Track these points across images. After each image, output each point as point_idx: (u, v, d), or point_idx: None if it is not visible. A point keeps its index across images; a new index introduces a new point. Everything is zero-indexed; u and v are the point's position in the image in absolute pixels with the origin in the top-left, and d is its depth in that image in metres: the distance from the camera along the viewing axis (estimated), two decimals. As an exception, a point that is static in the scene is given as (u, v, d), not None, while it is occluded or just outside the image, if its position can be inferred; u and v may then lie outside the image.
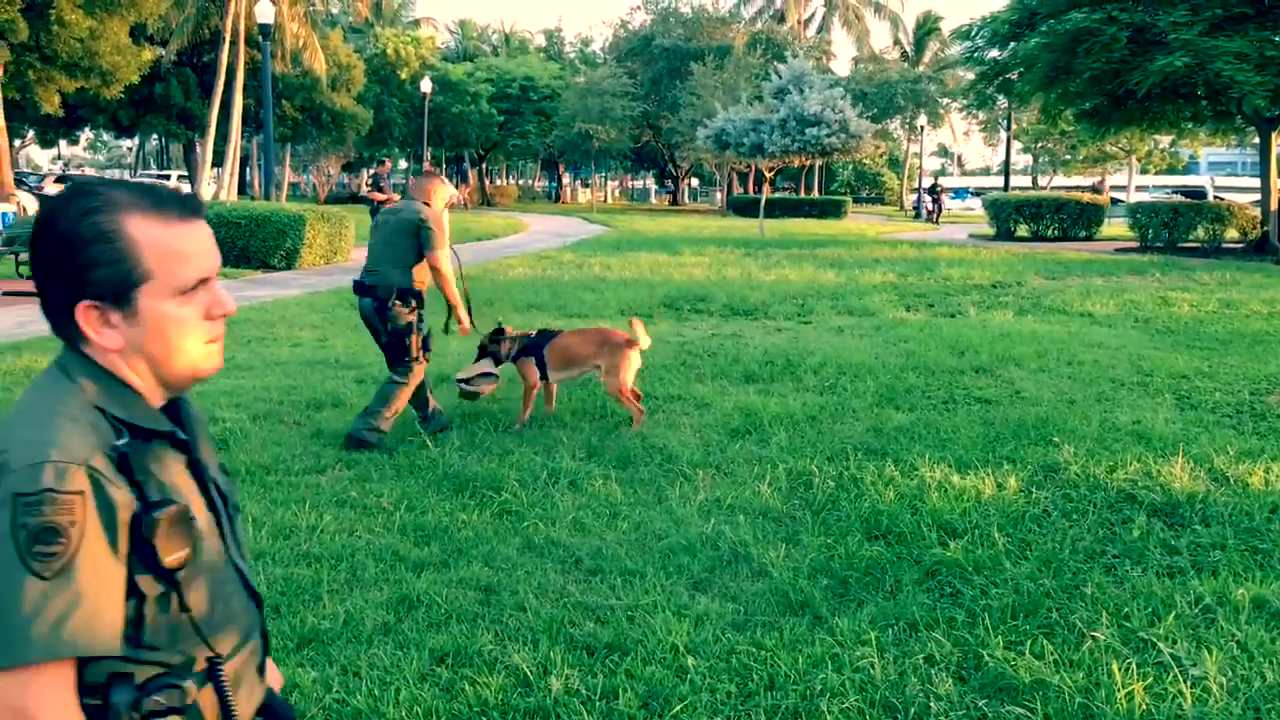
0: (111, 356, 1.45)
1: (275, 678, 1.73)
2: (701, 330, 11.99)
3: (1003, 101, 42.16)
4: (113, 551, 1.34)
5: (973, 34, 29.62)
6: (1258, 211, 26.86)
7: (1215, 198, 39.16)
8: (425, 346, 6.78)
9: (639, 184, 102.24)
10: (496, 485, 5.77)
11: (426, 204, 6.79)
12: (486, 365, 7.19)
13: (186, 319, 1.47)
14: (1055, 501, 5.54)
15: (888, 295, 15.44)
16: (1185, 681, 3.49)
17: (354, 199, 49.52)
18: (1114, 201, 38.86)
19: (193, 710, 1.43)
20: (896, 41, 70.34)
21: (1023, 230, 31.97)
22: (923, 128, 59.70)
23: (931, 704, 3.39)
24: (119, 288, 1.42)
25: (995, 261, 21.63)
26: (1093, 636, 3.88)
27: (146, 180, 1.55)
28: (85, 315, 1.43)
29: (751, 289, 15.80)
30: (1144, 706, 3.34)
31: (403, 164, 69.26)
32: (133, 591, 1.37)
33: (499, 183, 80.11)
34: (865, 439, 6.84)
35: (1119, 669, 3.55)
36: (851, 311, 13.76)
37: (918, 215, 54.74)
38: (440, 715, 3.35)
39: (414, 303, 6.67)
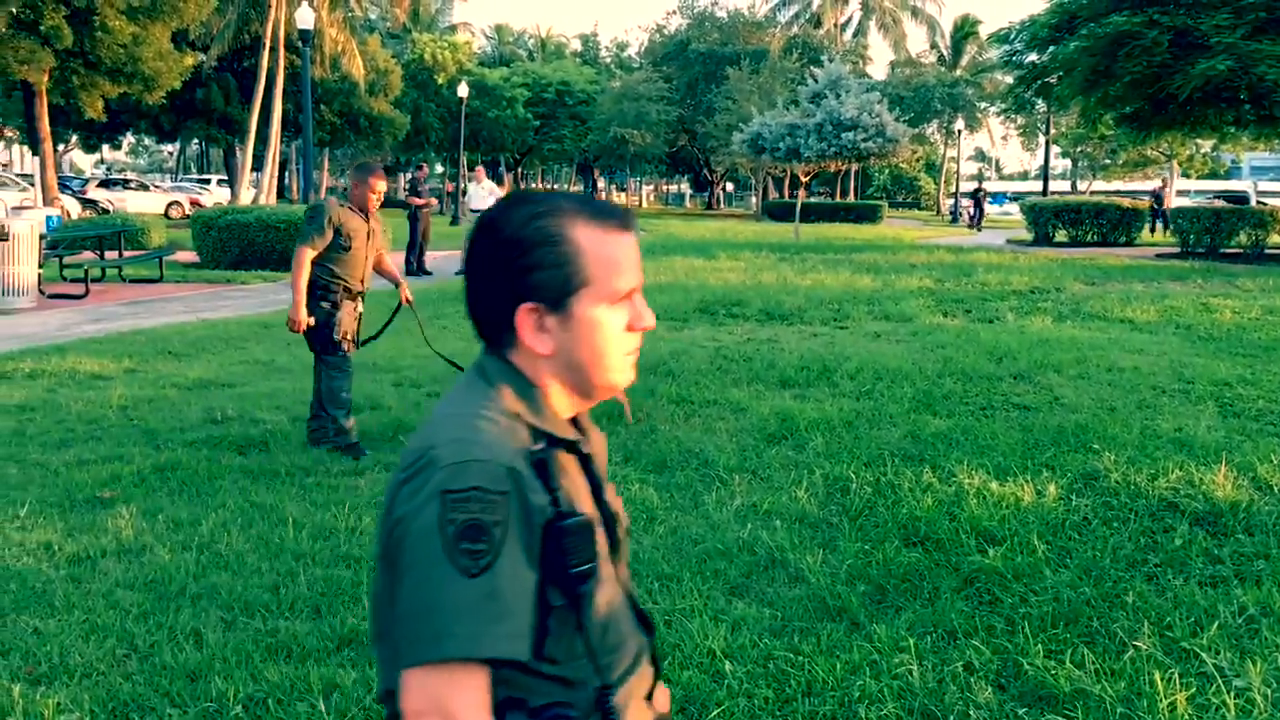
0: (536, 363, 1.48)
1: (663, 702, 1.66)
2: (737, 335, 11.98)
3: (1041, 105, 41.86)
4: (528, 556, 1.35)
5: (1011, 38, 29.43)
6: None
7: (1258, 203, 38.65)
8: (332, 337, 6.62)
9: (674, 188, 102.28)
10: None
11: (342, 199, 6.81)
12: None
13: (614, 328, 1.49)
14: (1095, 509, 5.49)
15: (925, 300, 15.35)
16: (1228, 692, 3.45)
17: (388, 203, 49.89)
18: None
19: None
20: (933, 45, 69.98)
21: (1061, 235, 31.67)
22: (960, 132, 59.31)
23: (971, 712, 3.38)
24: (559, 292, 1.45)
25: (1034, 267, 21.45)
26: (1134, 646, 3.84)
27: (580, 192, 1.60)
28: (525, 318, 1.46)
29: (787, 294, 15.76)
30: (1186, 717, 3.31)
31: (439, 168, 69.66)
32: (540, 602, 1.37)
33: (535, 187, 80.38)
34: (902, 445, 6.81)
35: (1161, 679, 3.51)
36: (888, 317, 13.69)
37: (954, 220, 54.39)
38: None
39: (319, 294, 6.54)
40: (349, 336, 6.65)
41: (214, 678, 3.63)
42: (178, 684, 3.61)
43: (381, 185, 6.64)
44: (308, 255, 6.45)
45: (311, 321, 6.53)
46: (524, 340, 1.47)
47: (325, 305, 6.53)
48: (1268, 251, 26.51)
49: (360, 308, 6.85)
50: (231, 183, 41.69)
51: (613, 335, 1.49)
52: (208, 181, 52.07)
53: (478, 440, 1.37)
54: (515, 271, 1.45)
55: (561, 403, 1.51)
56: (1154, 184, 35.30)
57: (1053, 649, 3.84)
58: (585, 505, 1.46)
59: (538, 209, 1.47)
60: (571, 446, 1.48)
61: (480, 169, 22.07)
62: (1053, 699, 3.47)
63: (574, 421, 1.55)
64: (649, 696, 1.56)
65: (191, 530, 5.18)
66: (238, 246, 19.52)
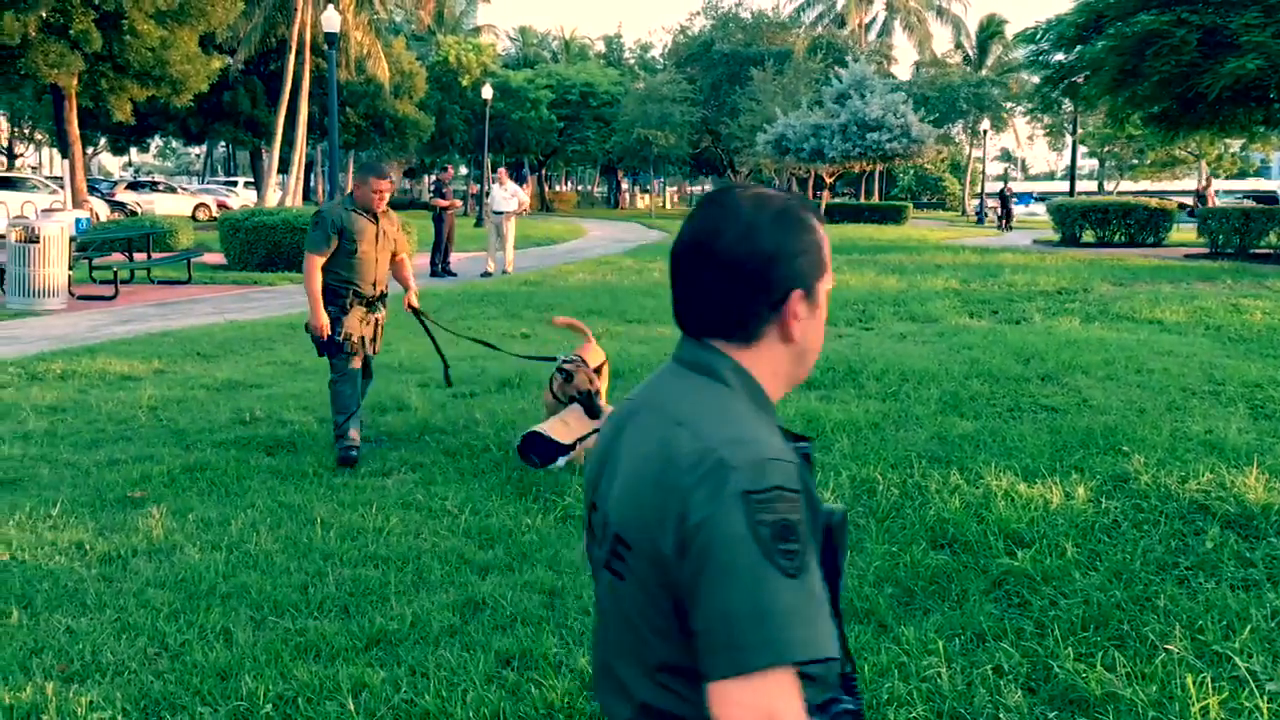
0: (776, 356, 1.48)
1: None
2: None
3: (1068, 105, 41.57)
4: (817, 550, 1.36)
5: (1037, 37, 29.22)
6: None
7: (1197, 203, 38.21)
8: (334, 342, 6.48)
9: (698, 189, 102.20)
10: (560, 489, 5.81)
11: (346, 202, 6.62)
12: (579, 415, 6.36)
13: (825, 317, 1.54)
14: (1125, 512, 5.44)
15: (950, 301, 15.27)
16: (1261, 696, 3.42)
17: (412, 204, 50.09)
18: (1180, 207, 38.12)
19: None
20: (959, 45, 69.58)
21: (1088, 236, 31.46)
22: (986, 132, 59.00)
23: (1000, 715, 3.36)
24: (813, 277, 1.49)
25: (1060, 267, 21.31)
26: (1165, 649, 3.81)
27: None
28: (798, 303, 1.46)
29: (812, 295, 15.68)
30: (1220, 721, 3.28)
31: (463, 170, 69.88)
32: None
33: (558, 188, 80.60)
34: (929, 447, 6.78)
35: (1193, 682, 3.48)
36: (914, 318, 13.64)
37: (980, 220, 54.07)
38: (507, 717, 3.39)
39: (328, 298, 6.44)
40: (354, 339, 6.50)
41: (244, 676, 3.65)
42: (208, 682, 3.64)
43: (384, 184, 6.47)
44: (315, 262, 6.37)
45: (325, 328, 6.45)
46: (789, 326, 1.46)
47: (332, 309, 6.44)
48: (1298, 252, 26.23)
49: (379, 314, 6.72)
50: (258, 185, 41.94)
51: (824, 324, 1.54)
52: (234, 184, 52.48)
53: (760, 439, 1.35)
54: (787, 256, 1.45)
55: (775, 397, 1.51)
56: (1196, 183, 34.83)
57: (1083, 652, 3.82)
58: None
59: (782, 199, 1.49)
60: (805, 443, 1.49)
61: (503, 171, 22.11)
62: (1083, 702, 3.45)
63: None
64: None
65: (221, 530, 5.22)
66: (264, 248, 19.65)
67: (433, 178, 23.09)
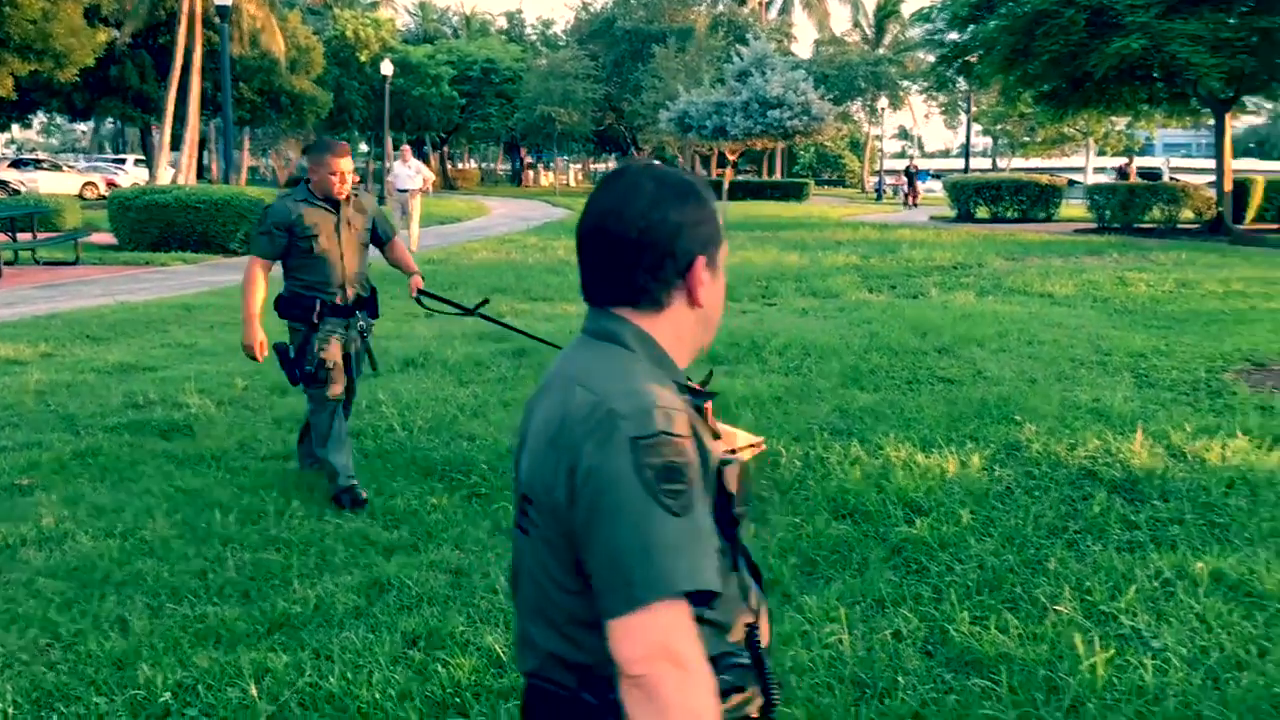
0: (680, 322, 1.54)
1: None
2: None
3: (962, 84, 42.42)
4: (708, 496, 1.40)
5: (932, 16, 29.77)
6: (1212, 192, 27.19)
7: (1171, 179, 39.61)
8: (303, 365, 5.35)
9: (602, 167, 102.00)
10: (465, 468, 5.78)
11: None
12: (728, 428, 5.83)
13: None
14: (1018, 479, 5.62)
15: (851, 277, 15.53)
16: (1146, 653, 3.57)
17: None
18: (1071, 183, 39.17)
19: (737, 685, 1.46)
20: (857, 24, 70.46)
21: (982, 212, 32.18)
22: (883, 110, 59.92)
23: (899, 678, 3.45)
24: (714, 245, 1.56)
25: (956, 243, 21.79)
26: (1055, 610, 3.95)
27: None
28: (700, 268, 1.53)
29: (716, 271, 15.80)
30: (1106, 678, 3.41)
31: (363, 147, 68.63)
32: None
33: (461, 166, 79.64)
34: (831, 419, 6.90)
35: (1081, 642, 3.62)
36: (815, 293, 13.84)
37: (879, 197, 54.92)
38: (414, 697, 3.37)
39: (296, 314, 5.39)
40: (328, 364, 5.33)
41: (141, 665, 3.57)
42: (104, 672, 3.55)
43: (345, 164, 5.28)
44: (256, 269, 5.28)
45: (264, 345, 5.32)
46: (693, 292, 1.53)
47: (300, 327, 5.34)
48: (1180, 226, 27.21)
49: (362, 324, 5.51)
50: (149, 163, 40.61)
51: (724, 293, 1.61)
52: (124, 161, 50.68)
53: (649, 391, 1.41)
54: (690, 226, 1.52)
55: (683, 367, 1.57)
56: (1160, 160, 35.55)
57: (978, 615, 3.94)
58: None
59: (680, 174, 1.57)
60: (705, 398, 1.54)
61: (406, 148, 21.80)
62: (978, 663, 3.56)
63: None
64: (769, 652, 1.61)
65: (114, 517, 5.08)
66: (156, 228, 19.07)
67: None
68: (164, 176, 33.15)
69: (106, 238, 20.44)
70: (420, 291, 5.85)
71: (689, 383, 1.54)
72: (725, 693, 1.41)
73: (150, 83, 38.60)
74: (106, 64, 35.50)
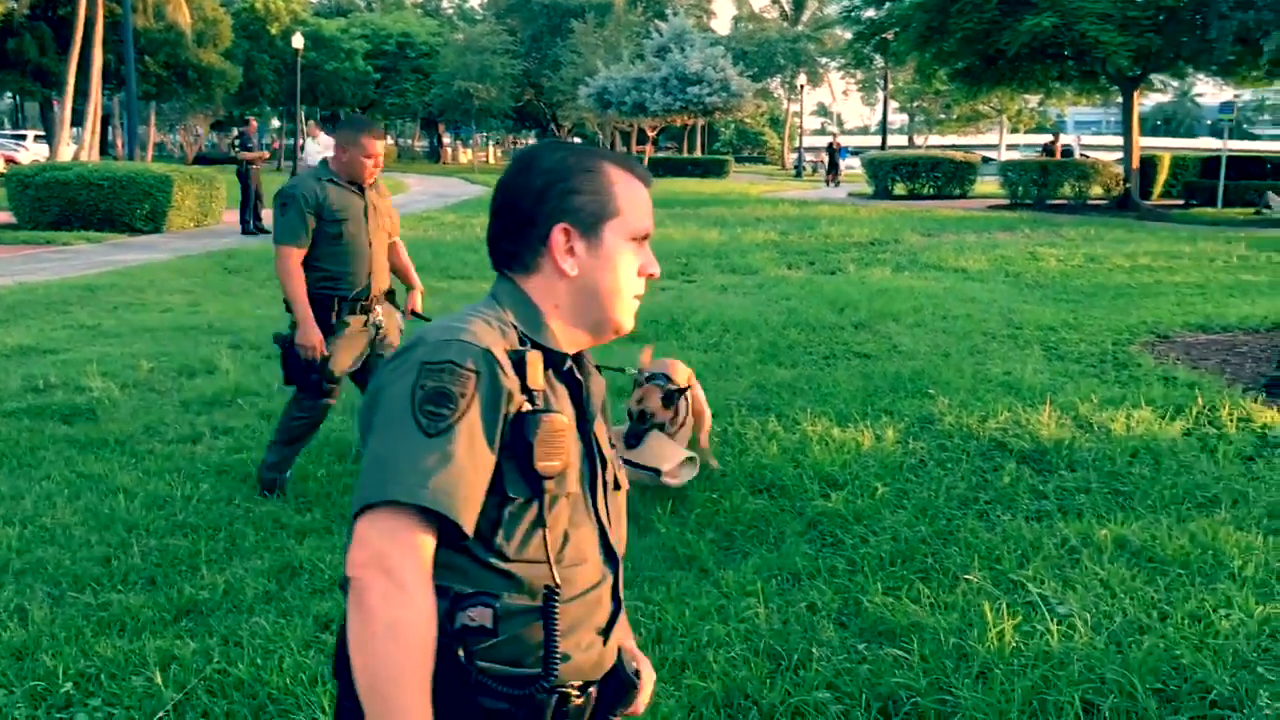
0: (553, 289, 1.57)
1: (624, 638, 1.70)
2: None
3: (880, 61, 42.84)
4: (489, 434, 1.42)
5: (849, -7, 29.99)
6: (1121, 169, 27.87)
7: (1081, 156, 40.53)
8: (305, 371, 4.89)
9: (521, 144, 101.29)
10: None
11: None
12: (670, 443, 4.87)
13: (631, 265, 1.60)
14: (931, 451, 5.70)
15: (770, 253, 15.63)
16: (1052, 619, 3.64)
17: (226, 160, 47.94)
18: (985, 160, 39.86)
19: (512, 637, 1.45)
20: (775, 1, 70.77)
21: (899, 188, 32.61)
22: (802, 87, 60.36)
23: (814, 650, 3.47)
24: (595, 217, 1.57)
25: (873, 219, 22.05)
26: (966, 579, 4.02)
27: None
28: (558, 237, 1.55)
29: (635, 248, 15.80)
30: (1014, 644, 3.48)
31: (274, 123, 67.20)
32: (497, 489, 1.43)
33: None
34: (749, 395, 6.93)
35: (990, 609, 3.68)
36: (734, 270, 13.90)
37: (798, 174, 55.30)
38: (326, 682, 3.31)
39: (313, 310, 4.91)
40: (336, 374, 4.91)
41: (41, 655, 3.46)
42: (2, 663, 3.43)
43: (379, 146, 4.84)
44: (294, 258, 4.76)
45: (321, 346, 4.80)
46: (554, 259, 1.56)
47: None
48: (1090, 202, 27.86)
49: (377, 318, 5.05)
50: (49, 138, 39.23)
51: (629, 271, 1.61)
52: (23, 137, 48.95)
53: (465, 329, 1.46)
54: (555, 194, 1.56)
55: (568, 336, 1.59)
56: (1045, 138, 35.94)
57: (890, 586, 3.99)
58: (570, 426, 1.52)
59: (575, 148, 1.63)
60: (560, 364, 1.55)
61: (313, 124, 21.40)
62: (891, 633, 3.61)
63: (576, 358, 1.62)
64: (605, 632, 1.59)
65: (13, 504, 4.91)
66: (58, 206, 18.45)
67: (237, 131, 22.15)
68: (65, 153, 32.08)
69: (5, 216, 19.75)
70: (414, 313, 5.42)
71: (541, 341, 1.54)
72: (471, 632, 1.43)
73: (50, 56, 37.32)
74: (4, 36, 34.32)
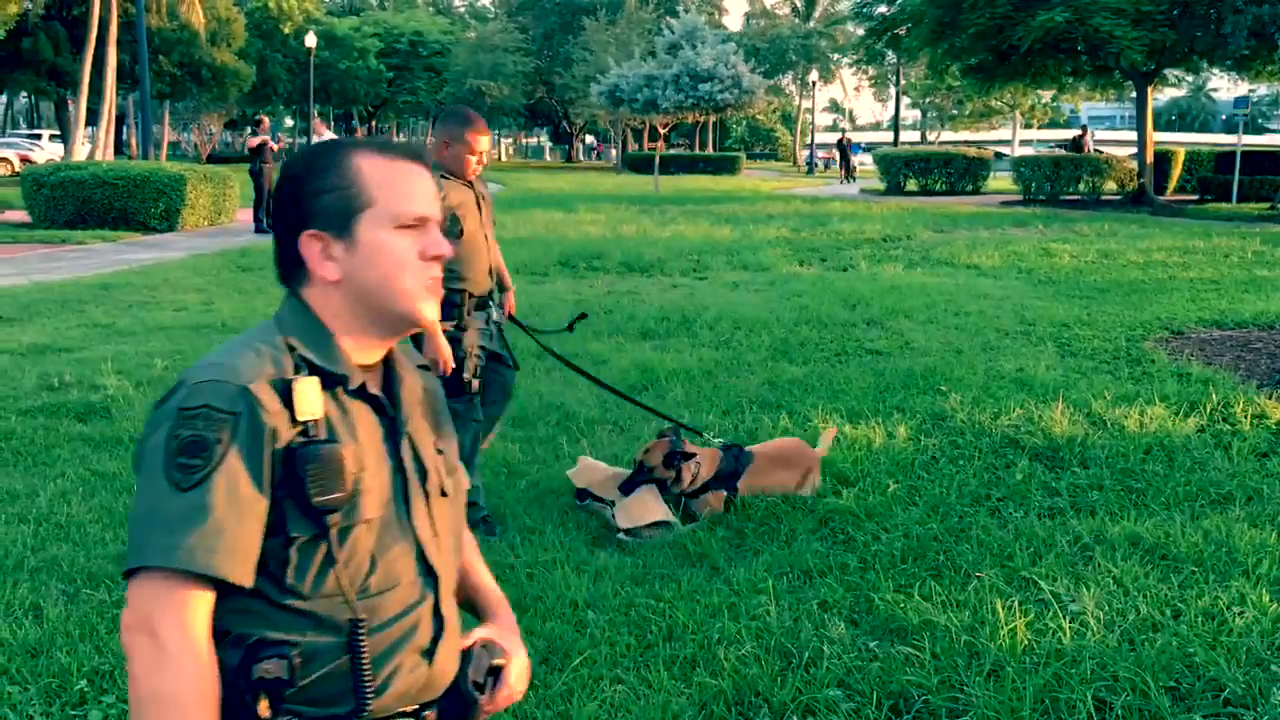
0: (330, 297, 1.49)
1: (448, 660, 1.56)
2: (598, 288, 11.97)
3: (891, 57, 42.75)
4: (255, 477, 1.36)
5: (861, -11, 29.93)
6: (1135, 164, 27.76)
7: (1095, 151, 40.37)
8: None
9: (533, 141, 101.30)
10: (392, 447, 5.70)
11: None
12: (655, 503, 4.69)
13: (403, 252, 1.49)
14: (943, 448, 5.69)
15: (781, 250, 15.60)
16: (1065, 617, 3.63)
17: (233, 158, 48.06)
18: (998, 156, 39.74)
19: (321, 677, 1.40)
20: (787, -3, 70.61)
21: (912, 184, 32.54)
22: (815, 84, 60.20)
23: (825, 647, 3.47)
24: (342, 214, 1.47)
25: (886, 216, 22.00)
26: (977, 577, 4.01)
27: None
28: (307, 244, 1.48)
29: (647, 246, 15.82)
30: (1026, 642, 3.47)
31: (288, 121, 67.40)
32: (279, 529, 1.37)
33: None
34: (760, 392, 6.93)
35: (1002, 607, 3.68)
36: (746, 267, 13.88)
37: (810, 170, 55.19)
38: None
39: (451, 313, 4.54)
40: (476, 377, 4.59)
41: (56, 652, 3.48)
42: (16, 660, 3.45)
43: (485, 142, 4.55)
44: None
45: (449, 362, 4.35)
46: (312, 269, 1.48)
47: (447, 328, 4.43)
48: (1104, 198, 27.75)
49: (496, 314, 4.79)
50: (65, 138, 39.47)
51: (402, 259, 1.48)
52: (39, 137, 49.26)
53: (227, 364, 1.40)
54: (300, 199, 1.49)
55: (361, 344, 1.50)
56: (1062, 133, 35.78)
57: (902, 583, 3.98)
58: (366, 445, 1.45)
59: (323, 146, 1.53)
60: (344, 383, 1.46)
61: (319, 121, 21.46)
62: (902, 631, 3.60)
63: (387, 364, 1.55)
64: (430, 653, 1.51)
65: (29, 502, 4.94)
66: (72, 205, 18.54)
67: (249, 130, 22.07)
68: (80, 152, 32.25)
69: (20, 215, 19.86)
70: (511, 318, 5.12)
71: (320, 363, 1.45)
72: (269, 683, 1.36)
73: (65, 55, 37.47)
74: (19, 36, 34.42)
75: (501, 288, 4.98)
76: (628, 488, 4.75)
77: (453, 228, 4.42)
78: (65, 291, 11.52)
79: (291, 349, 1.45)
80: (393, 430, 1.51)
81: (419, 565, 1.51)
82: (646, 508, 4.64)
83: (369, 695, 1.41)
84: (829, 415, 6.22)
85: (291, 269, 1.51)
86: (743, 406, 6.52)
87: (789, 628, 3.64)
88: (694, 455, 4.78)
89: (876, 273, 12.94)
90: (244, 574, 1.34)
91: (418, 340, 4.33)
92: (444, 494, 1.58)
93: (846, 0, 35.98)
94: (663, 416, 5.52)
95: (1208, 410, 6.29)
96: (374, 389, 1.51)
